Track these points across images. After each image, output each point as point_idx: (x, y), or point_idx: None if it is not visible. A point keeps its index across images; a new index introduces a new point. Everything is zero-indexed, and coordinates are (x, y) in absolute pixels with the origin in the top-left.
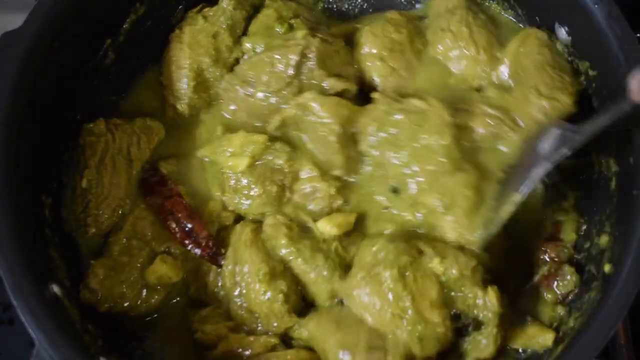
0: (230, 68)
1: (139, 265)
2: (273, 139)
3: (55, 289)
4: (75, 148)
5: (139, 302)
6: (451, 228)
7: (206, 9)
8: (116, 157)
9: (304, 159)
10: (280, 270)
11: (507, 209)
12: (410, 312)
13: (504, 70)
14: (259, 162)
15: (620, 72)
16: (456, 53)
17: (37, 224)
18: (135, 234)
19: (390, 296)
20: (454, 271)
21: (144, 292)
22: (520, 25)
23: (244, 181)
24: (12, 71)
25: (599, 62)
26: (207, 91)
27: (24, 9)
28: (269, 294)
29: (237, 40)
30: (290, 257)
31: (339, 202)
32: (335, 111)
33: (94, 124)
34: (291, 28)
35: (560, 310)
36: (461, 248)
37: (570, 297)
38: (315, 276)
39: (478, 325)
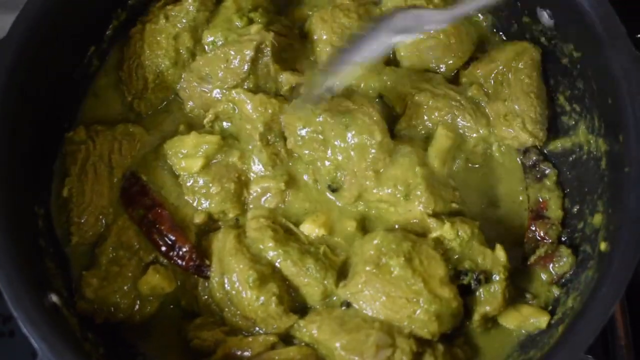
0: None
1: (130, 274)
2: (226, 137)
3: (54, 298)
4: (60, 157)
5: (133, 312)
6: (420, 210)
7: (169, 7)
8: (97, 164)
9: (253, 155)
10: (268, 273)
11: (349, 71)
12: (424, 293)
13: (487, 74)
14: (214, 162)
15: (604, 51)
16: (428, 44)
17: (31, 235)
18: (121, 244)
19: (402, 283)
20: (465, 232)
21: (138, 302)
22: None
23: (201, 181)
24: (0, 82)
25: (583, 43)
26: (166, 91)
27: None
28: (262, 299)
29: (198, 42)
30: (279, 259)
31: (290, 197)
32: (260, 109)
33: (74, 132)
34: (251, 22)
35: (556, 291)
36: (455, 214)
37: (565, 278)
38: (307, 279)
39: (487, 277)
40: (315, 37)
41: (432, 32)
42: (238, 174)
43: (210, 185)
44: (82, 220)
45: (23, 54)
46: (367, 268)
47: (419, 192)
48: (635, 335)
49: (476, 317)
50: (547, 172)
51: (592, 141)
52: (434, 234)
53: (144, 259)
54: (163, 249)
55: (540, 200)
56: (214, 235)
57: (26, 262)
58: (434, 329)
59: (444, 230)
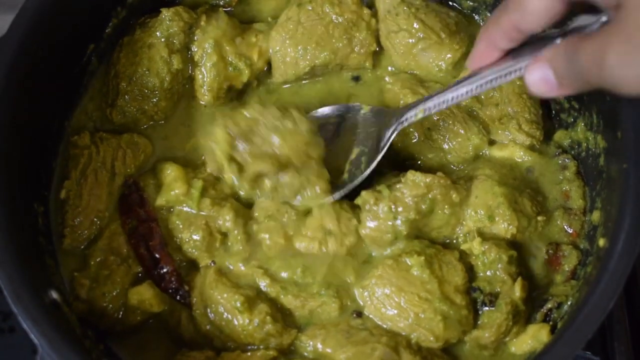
0: (163, 81)
1: (119, 280)
2: (189, 190)
3: (54, 295)
4: (60, 158)
5: (116, 319)
6: (504, 228)
7: (147, 20)
8: (99, 170)
9: (225, 209)
10: (254, 295)
11: (368, 170)
12: (437, 293)
13: None
14: (182, 208)
15: None
16: (420, 46)
17: (31, 232)
18: (112, 249)
19: (416, 280)
20: (492, 255)
21: (123, 309)
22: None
23: (177, 224)
24: (0, 79)
25: None
26: (141, 102)
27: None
28: (256, 321)
29: (174, 52)
30: (280, 295)
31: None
32: None
33: (79, 136)
34: None
35: (573, 284)
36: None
37: (577, 271)
38: (319, 301)
39: (492, 301)
40: None
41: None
42: (204, 221)
43: (182, 231)
44: (76, 223)
45: (23, 51)
46: (386, 262)
47: (501, 210)
48: (633, 332)
49: (471, 336)
50: (567, 162)
51: (590, 138)
52: (462, 246)
53: (132, 268)
54: (146, 264)
55: (562, 190)
56: (195, 269)
57: (26, 258)
58: (439, 332)
59: (472, 245)
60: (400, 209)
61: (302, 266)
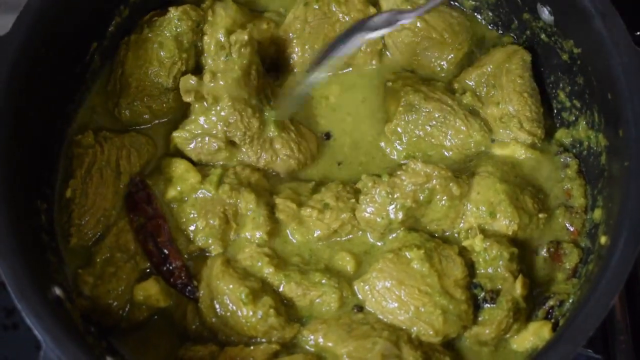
0: (174, 78)
1: (124, 277)
2: (206, 177)
3: (58, 291)
4: (64, 157)
5: (122, 316)
6: (506, 224)
7: (154, 18)
8: (104, 169)
9: (246, 192)
10: (259, 287)
11: (326, 67)
12: (436, 287)
13: (479, 78)
14: (199, 195)
15: (604, 47)
16: (423, 45)
17: (34, 229)
18: (119, 246)
19: (416, 274)
20: (494, 252)
21: (128, 306)
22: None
23: (189, 214)
24: (2, 78)
25: (583, 40)
26: (150, 101)
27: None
28: (259, 313)
29: (183, 50)
30: (282, 283)
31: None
32: None
33: (82, 135)
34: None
35: (574, 282)
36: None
37: (579, 269)
38: (319, 291)
39: (493, 298)
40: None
41: (413, 26)
42: (223, 208)
43: (197, 220)
44: (83, 222)
45: (25, 49)
46: (387, 255)
47: (503, 207)
48: (634, 330)
49: (471, 332)
50: (568, 161)
51: (592, 136)
52: (464, 243)
53: (139, 265)
54: (154, 260)
55: (564, 189)
56: (202, 263)
57: (29, 255)
58: (438, 326)
59: (474, 242)
60: (397, 195)
61: (310, 250)
